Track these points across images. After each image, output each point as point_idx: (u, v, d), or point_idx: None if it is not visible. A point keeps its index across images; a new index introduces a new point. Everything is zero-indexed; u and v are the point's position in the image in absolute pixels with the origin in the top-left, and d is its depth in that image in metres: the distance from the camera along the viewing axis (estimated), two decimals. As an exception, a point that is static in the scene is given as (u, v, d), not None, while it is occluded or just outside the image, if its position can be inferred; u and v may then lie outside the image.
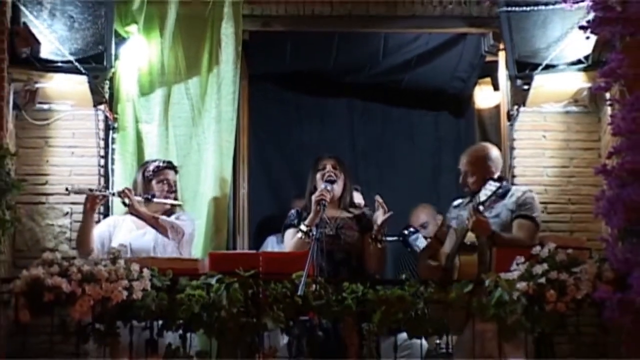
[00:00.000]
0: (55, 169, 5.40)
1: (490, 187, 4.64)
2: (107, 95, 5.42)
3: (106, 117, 5.47)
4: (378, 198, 4.90)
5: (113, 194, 5.13)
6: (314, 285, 4.41)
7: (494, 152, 5.03)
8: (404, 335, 4.59)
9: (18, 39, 5.00)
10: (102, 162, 5.46)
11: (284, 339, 4.70)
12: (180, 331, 4.46)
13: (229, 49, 5.59)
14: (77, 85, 5.20)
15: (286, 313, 4.42)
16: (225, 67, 5.59)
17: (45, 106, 5.39)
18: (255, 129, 6.25)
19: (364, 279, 4.58)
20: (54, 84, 5.20)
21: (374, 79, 6.47)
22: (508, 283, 4.35)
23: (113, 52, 5.23)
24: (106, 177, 5.45)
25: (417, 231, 5.76)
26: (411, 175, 6.64)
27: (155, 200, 5.08)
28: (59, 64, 5.12)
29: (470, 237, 4.72)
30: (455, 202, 5.10)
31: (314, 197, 4.88)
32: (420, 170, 6.70)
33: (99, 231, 5.07)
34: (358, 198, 5.39)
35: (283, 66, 6.26)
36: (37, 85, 5.18)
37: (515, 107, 5.51)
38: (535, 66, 5.23)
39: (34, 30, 5.04)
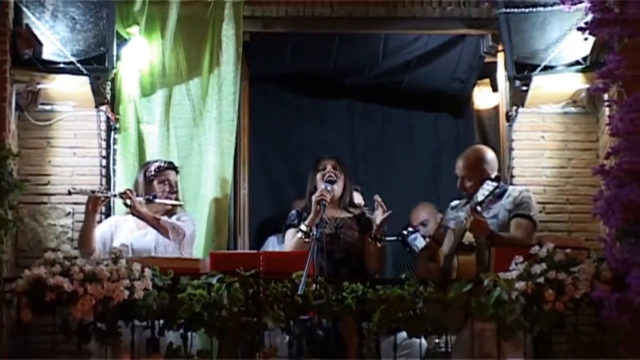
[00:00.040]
0: (57, 169, 5.42)
1: (488, 186, 4.66)
2: (108, 96, 5.42)
3: (108, 117, 5.48)
4: (377, 197, 4.91)
5: (115, 196, 5.13)
6: (314, 285, 4.42)
7: (489, 154, 5.03)
8: (403, 334, 4.60)
9: (20, 40, 5.00)
10: (104, 162, 5.47)
11: (285, 338, 4.70)
12: (182, 330, 4.47)
13: (230, 50, 5.60)
14: (79, 86, 5.21)
15: (286, 312, 4.43)
16: (226, 68, 5.60)
17: (48, 107, 5.41)
18: (256, 129, 6.25)
19: (364, 279, 4.60)
20: (56, 85, 5.21)
21: (374, 80, 6.48)
22: (507, 283, 4.35)
23: (115, 53, 5.24)
24: (108, 177, 5.46)
25: (415, 231, 5.79)
26: (411, 175, 6.65)
27: (156, 200, 5.10)
28: (61, 65, 5.13)
29: (468, 237, 4.73)
30: (453, 203, 5.11)
31: (314, 198, 4.90)
32: (420, 171, 6.70)
33: (101, 231, 5.08)
34: (358, 198, 5.41)
35: (283, 67, 6.27)
36: (39, 86, 5.20)
37: (514, 108, 5.51)
38: (533, 67, 5.23)
39: (36, 32, 5.04)
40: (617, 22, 4.48)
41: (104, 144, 5.49)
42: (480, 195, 4.66)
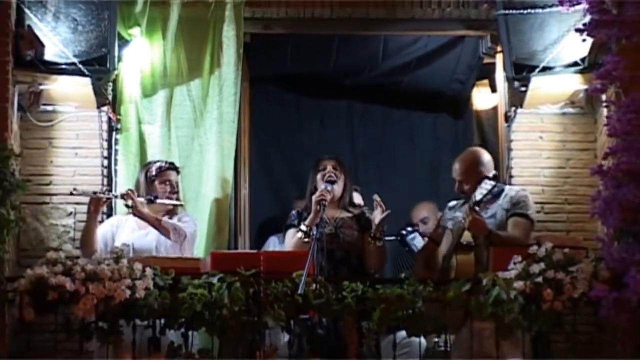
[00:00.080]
0: (59, 169, 5.43)
1: (486, 185, 4.67)
2: (110, 97, 5.44)
3: (109, 118, 5.49)
4: (376, 197, 4.93)
5: (116, 196, 5.14)
6: (314, 284, 4.43)
7: (485, 156, 5.04)
8: (403, 333, 4.61)
9: (22, 41, 5.01)
10: (105, 162, 5.48)
11: (285, 337, 4.73)
12: (183, 329, 4.49)
13: (231, 51, 5.61)
14: (80, 87, 5.22)
15: (287, 311, 4.45)
16: (227, 69, 5.61)
17: (50, 108, 5.42)
18: (257, 130, 6.26)
19: (364, 278, 4.61)
20: (58, 86, 5.23)
21: (374, 81, 6.49)
22: (505, 282, 4.37)
23: (116, 54, 5.25)
24: (109, 177, 5.48)
25: (414, 231, 5.81)
26: (411, 175, 6.66)
27: (157, 201, 5.11)
28: (63, 66, 5.13)
29: (467, 236, 4.75)
30: (450, 204, 5.12)
31: (314, 198, 4.92)
32: (420, 171, 6.72)
33: (102, 231, 5.09)
34: (357, 199, 5.42)
35: (284, 68, 6.29)
36: (41, 87, 5.21)
37: (513, 108, 5.52)
38: (532, 68, 5.24)
39: (38, 33, 5.05)
40: (615, 23, 4.50)
41: (105, 144, 5.49)
42: (478, 194, 4.68)
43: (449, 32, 5.91)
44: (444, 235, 4.98)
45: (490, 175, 4.83)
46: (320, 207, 4.86)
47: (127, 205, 5.08)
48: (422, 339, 4.85)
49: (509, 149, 5.60)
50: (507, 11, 5.30)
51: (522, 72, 5.27)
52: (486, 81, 6.28)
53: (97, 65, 5.16)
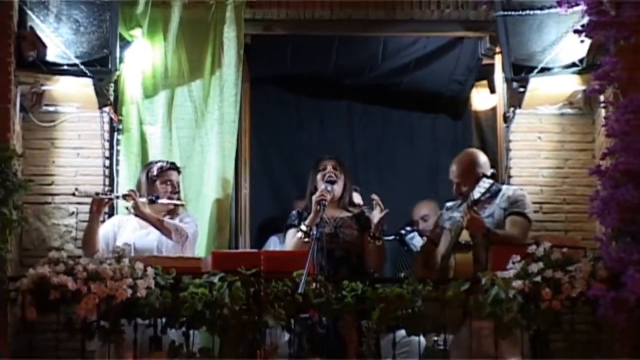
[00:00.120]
0: (61, 169, 5.44)
1: (484, 184, 4.68)
2: (111, 98, 5.45)
3: (111, 119, 5.50)
4: (374, 196, 4.95)
5: (118, 197, 5.16)
6: (314, 284, 4.45)
7: (482, 157, 5.06)
8: (402, 332, 4.63)
9: (25, 42, 5.01)
10: (107, 163, 5.49)
11: (285, 336, 4.74)
12: (184, 328, 4.50)
13: (231, 52, 5.62)
14: (82, 87, 5.23)
15: (287, 311, 4.47)
16: (228, 70, 5.62)
17: (52, 108, 5.43)
18: (257, 130, 6.27)
19: (364, 277, 4.63)
20: (60, 87, 5.24)
21: (374, 81, 6.51)
22: (504, 281, 4.38)
23: (118, 55, 5.26)
24: (111, 177, 5.48)
25: (413, 230, 5.82)
26: (410, 176, 6.67)
27: (159, 201, 5.12)
28: (65, 67, 5.14)
29: (465, 236, 4.76)
30: (448, 204, 5.14)
31: (314, 198, 4.93)
32: (419, 171, 6.73)
33: (104, 231, 5.10)
34: (357, 199, 5.43)
35: (284, 69, 6.31)
36: (43, 88, 5.23)
37: (511, 109, 5.52)
38: (530, 69, 5.24)
39: (41, 34, 5.06)
40: (613, 24, 4.53)
41: (107, 144, 5.50)
42: (476, 193, 4.69)
43: (448, 33, 5.91)
44: (442, 236, 5.00)
45: (488, 174, 4.84)
46: (320, 207, 4.87)
47: (128, 208, 5.11)
48: (422, 338, 4.88)
49: (508, 150, 5.61)
50: (505, 12, 5.30)
51: (520, 73, 5.27)
52: (485, 82, 6.28)
53: (99, 66, 5.17)
